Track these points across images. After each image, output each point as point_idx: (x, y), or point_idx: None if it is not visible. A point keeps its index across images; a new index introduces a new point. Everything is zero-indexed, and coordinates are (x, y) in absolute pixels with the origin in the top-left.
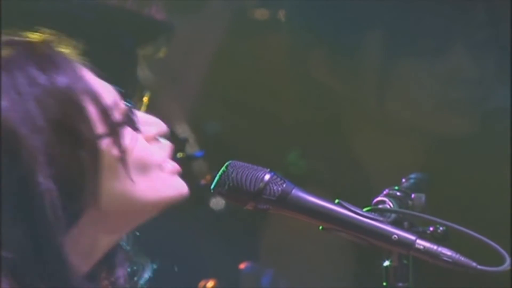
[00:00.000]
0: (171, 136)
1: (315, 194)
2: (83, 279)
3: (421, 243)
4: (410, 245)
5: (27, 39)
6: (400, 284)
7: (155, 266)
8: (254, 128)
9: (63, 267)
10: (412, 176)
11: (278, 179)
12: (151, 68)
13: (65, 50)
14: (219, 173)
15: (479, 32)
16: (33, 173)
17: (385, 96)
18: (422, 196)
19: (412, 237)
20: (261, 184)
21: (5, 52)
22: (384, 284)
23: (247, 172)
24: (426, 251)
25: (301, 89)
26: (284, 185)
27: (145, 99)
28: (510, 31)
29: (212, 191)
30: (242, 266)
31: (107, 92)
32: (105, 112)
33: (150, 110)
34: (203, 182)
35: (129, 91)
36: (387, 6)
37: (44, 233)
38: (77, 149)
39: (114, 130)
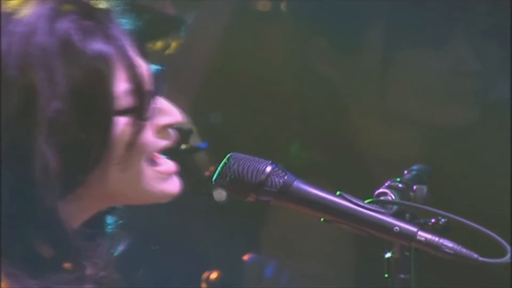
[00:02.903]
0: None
1: (317, 186)
2: (75, 235)
3: (423, 235)
4: (411, 236)
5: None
6: (402, 276)
7: (129, 241)
8: (256, 120)
9: (55, 227)
10: (414, 168)
11: (280, 171)
12: (153, 60)
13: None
14: (221, 165)
15: (480, 24)
16: (34, 136)
17: (387, 88)
18: (424, 188)
19: (414, 229)
20: (263, 176)
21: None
22: (386, 275)
23: (248, 164)
24: (427, 243)
25: (303, 81)
26: (286, 177)
27: None
28: (510, 23)
29: (213, 183)
30: (245, 257)
31: (139, 71)
32: (130, 91)
33: None
34: (206, 173)
35: None
36: None
37: (36, 194)
38: (90, 122)
39: (134, 112)
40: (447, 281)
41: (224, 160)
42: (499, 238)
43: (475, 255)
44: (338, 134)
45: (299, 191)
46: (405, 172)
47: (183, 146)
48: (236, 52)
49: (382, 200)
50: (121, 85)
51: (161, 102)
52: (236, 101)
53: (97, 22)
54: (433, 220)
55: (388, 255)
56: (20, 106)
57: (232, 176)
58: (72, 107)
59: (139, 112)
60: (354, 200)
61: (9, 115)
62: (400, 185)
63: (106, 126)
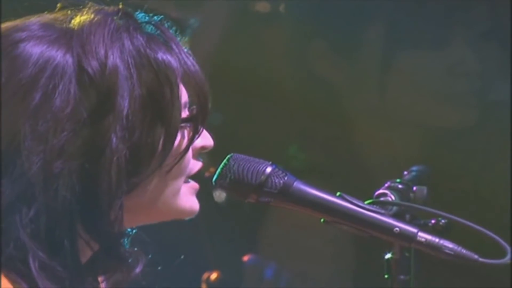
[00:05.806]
0: None
1: (317, 187)
2: (120, 239)
3: (423, 236)
4: (411, 237)
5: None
6: (402, 277)
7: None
8: (256, 121)
9: (112, 222)
10: (414, 169)
11: (280, 172)
12: None
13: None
14: (221, 165)
15: (480, 25)
16: (111, 132)
17: (386, 89)
18: (424, 189)
19: (414, 230)
20: (263, 177)
21: (119, 20)
22: (386, 276)
23: (248, 165)
24: (427, 244)
25: (303, 82)
26: (286, 178)
27: None
28: (510, 24)
29: (213, 183)
30: (245, 258)
31: (200, 80)
32: (192, 100)
33: None
34: (206, 174)
35: None
36: None
37: (105, 187)
38: (157, 125)
39: (193, 121)
40: (447, 282)
41: (224, 161)
42: (499, 239)
43: (475, 256)
44: (338, 135)
45: (299, 192)
46: (405, 173)
47: None
48: (236, 53)
49: (382, 201)
50: (184, 94)
51: None
52: (236, 102)
53: (156, 34)
54: (433, 221)
55: (388, 256)
56: (99, 104)
57: (232, 177)
58: (144, 109)
59: (198, 121)
60: (354, 201)
61: (88, 111)
62: (400, 186)
63: (171, 132)
